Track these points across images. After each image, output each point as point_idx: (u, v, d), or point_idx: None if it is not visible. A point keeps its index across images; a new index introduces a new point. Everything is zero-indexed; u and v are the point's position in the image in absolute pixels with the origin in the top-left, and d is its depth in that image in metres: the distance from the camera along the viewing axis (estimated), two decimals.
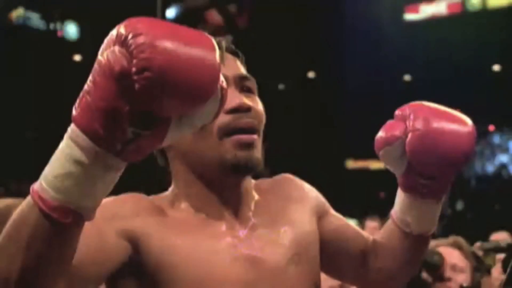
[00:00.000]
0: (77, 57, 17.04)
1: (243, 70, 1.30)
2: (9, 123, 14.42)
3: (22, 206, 0.96)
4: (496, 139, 20.23)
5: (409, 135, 1.24)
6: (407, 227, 1.36)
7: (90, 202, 0.94)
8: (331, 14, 20.23)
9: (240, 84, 1.27)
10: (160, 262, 1.16)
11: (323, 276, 1.38)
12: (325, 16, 19.91)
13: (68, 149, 0.92)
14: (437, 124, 1.24)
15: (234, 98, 1.23)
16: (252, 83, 1.29)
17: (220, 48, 1.26)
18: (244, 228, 1.26)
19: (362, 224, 7.09)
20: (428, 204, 1.34)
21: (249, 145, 1.22)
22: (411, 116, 1.25)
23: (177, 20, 12.02)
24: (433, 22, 20.52)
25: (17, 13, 17.06)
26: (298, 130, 18.92)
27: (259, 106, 1.27)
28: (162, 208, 1.24)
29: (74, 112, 0.92)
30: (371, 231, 5.80)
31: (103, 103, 0.89)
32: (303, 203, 1.36)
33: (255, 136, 1.23)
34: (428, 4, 21.90)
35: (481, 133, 18.85)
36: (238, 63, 1.31)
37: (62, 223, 0.92)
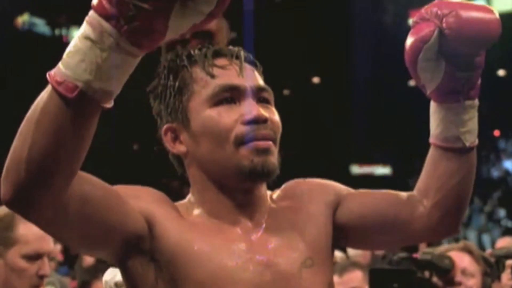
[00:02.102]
0: None
1: (261, 81, 1.32)
2: (15, 130, 14.42)
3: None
4: (502, 144, 20.22)
5: (444, 20, 1.26)
6: (457, 142, 1.34)
7: (97, 82, 0.97)
8: (336, 20, 20.26)
9: (258, 95, 1.29)
10: (176, 253, 1.19)
11: (335, 279, 1.38)
12: (330, 22, 19.94)
13: (82, 29, 0.97)
14: (465, 5, 1.27)
15: (252, 109, 1.25)
16: (269, 94, 1.31)
17: (238, 58, 1.28)
18: (258, 233, 1.28)
19: None
20: (469, 109, 1.34)
21: (266, 151, 1.24)
22: (436, 9, 1.27)
23: None
24: None
25: (23, 19, 17.13)
26: (303, 136, 18.93)
27: (276, 116, 1.30)
28: (179, 211, 1.27)
29: None
30: None
31: None
32: (315, 203, 1.36)
33: (270, 142, 1.26)
34: None
35: (487, 138, 18.84)
36: (256, 74, 1.33)
37: (66, 97, 0.97)
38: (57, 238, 1.16)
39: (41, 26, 17.56)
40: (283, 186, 1.40)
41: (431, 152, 1.37)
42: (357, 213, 1.36)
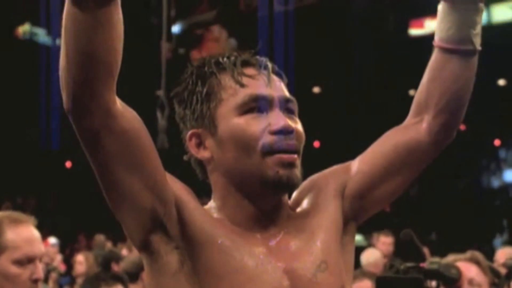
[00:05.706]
0: None
1: (287, 92, 1.35)
2: (18, 138, 14.44)
3: None
4: (502, 153, 20.20)
5: None
6: (468, 44, 1.37)
7: None
8: (336, 29, 20.32)
9: (285, 105, 1.33)
10: (201, 242, 1.23)
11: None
12: (330, 32, 20.00)
13: None
14: None
15: (279, 120, 1.28)
16: (294, 105, 1.35)
17: (266, 68, 1.31)
18: (276, 239, 1.31)
19: (369, 240, 7.03)
20: (480, 12, 1.36)
21: (291, 164, 1.28)
22: None
23: (183, 35, 12.07)
24: None
25: (24, 28, 17.16)
26: (306, 145, 18.96)
27: (300, 127, 1.34)
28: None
29: None
30: (387, 247, 5.75)
31: None
32: (324, 198, 1.39)
33: (296, 156, 1.30)
34: (433, 19, 21.79)
35: (487, 147, 18.84)
36: (283, 85, 1.36)
37: None
38: (99, 160, 1.17)
39: (42, 36, 17.58)
40: (295, 192, 1.42)
41: (436, 57, 1.40)
42: (367, 178, 1.40)
